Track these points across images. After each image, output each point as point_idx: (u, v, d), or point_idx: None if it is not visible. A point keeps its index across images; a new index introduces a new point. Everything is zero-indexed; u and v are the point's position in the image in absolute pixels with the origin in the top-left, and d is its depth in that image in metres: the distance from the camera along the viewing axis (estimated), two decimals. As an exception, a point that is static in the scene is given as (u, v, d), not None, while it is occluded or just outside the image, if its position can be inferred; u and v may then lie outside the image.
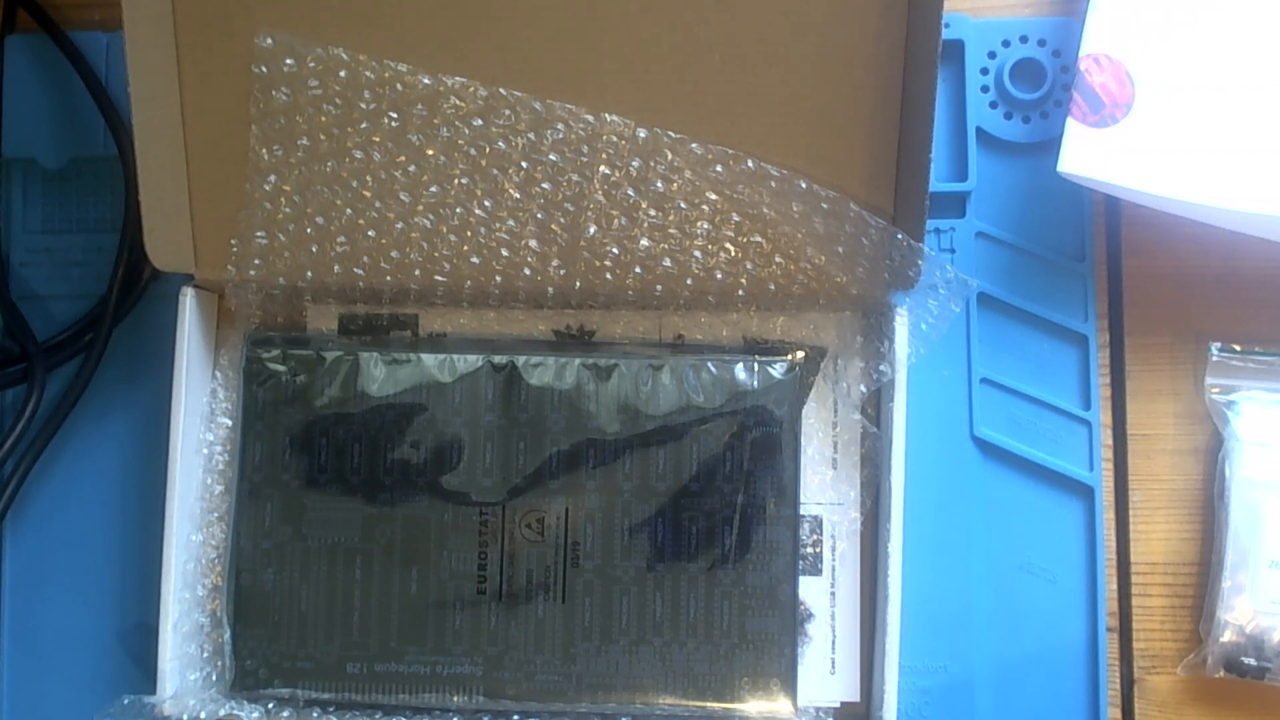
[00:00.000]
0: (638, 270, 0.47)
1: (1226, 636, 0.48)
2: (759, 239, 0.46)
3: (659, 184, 0.46)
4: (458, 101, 0.46)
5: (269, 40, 0.45)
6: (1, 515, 0.50)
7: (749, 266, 0.46)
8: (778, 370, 0.47)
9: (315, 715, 0.47)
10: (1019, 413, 0.50)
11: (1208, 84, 0.47)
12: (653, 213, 0.46)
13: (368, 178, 0.46)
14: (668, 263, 0.47)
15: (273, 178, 0.46)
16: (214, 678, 0.48)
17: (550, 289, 0.47)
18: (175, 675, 0.47)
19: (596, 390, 0.47)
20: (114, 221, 0.52)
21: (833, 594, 0.49)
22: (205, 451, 0.49)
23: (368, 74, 0.45)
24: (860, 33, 0.45)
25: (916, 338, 0.47)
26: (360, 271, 0.47)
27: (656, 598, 0.47)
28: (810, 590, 0.48)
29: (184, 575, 0.47)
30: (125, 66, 0.44)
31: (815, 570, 0.49)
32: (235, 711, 0.47)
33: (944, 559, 0.50)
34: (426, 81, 0.45)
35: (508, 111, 0.46)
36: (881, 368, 0.47)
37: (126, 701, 0.47)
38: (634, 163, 0.46)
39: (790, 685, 0.47)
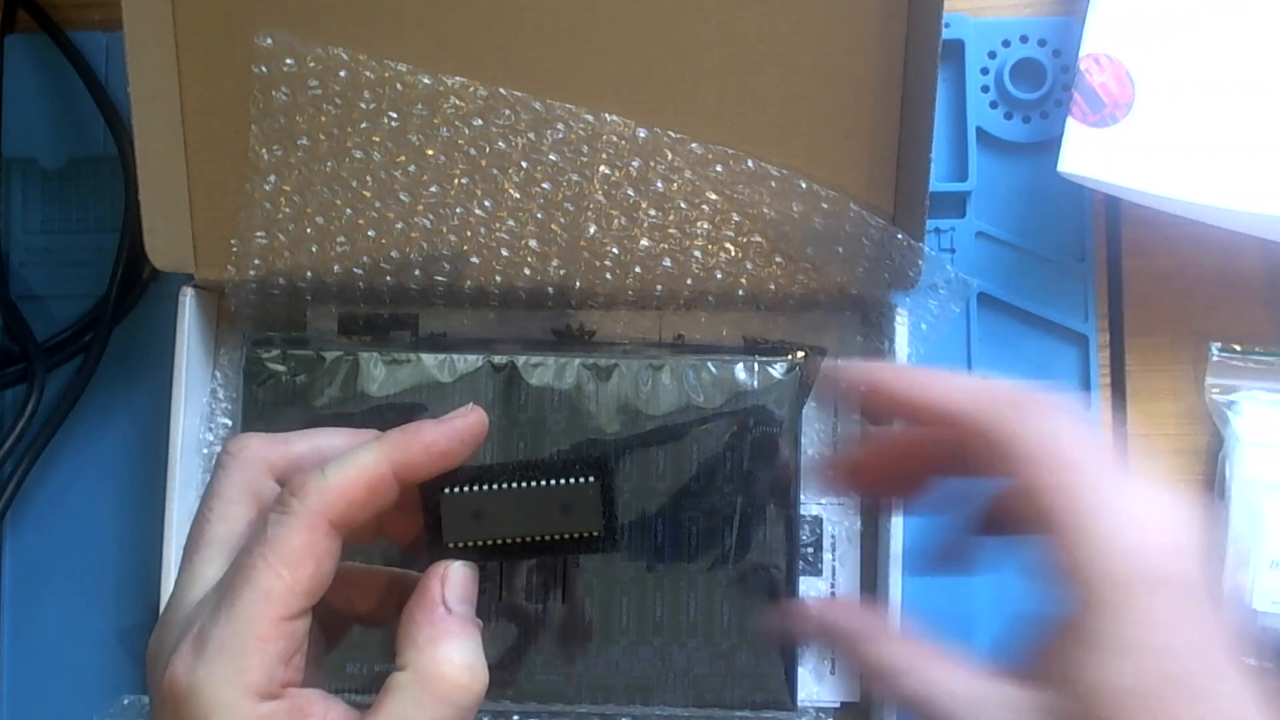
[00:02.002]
0: (638, 270, 0.47)
1: (1227, 636, 0.48)
2: (759, 239, 0.46)
3: (659, 184, 0.46)
4: (458, 101, 0.46)
5: (269, 40, 0.45)
6: (1, 515, 0.50)
7: (749, 266, 0.46)
8: (778, 370, 0.47)
9: (315, 715, 0.47)
10: (1019, 413, 0.50)
11: (1208, 84, 0.47)
12: (653, 213, 0.46)
13: (368, 178, 0.46)
14: (668, 263, 0.47)
15: (273, 178, 0.46)
16: (214, 678, 0.48)
17: (550, 289, 0.47)
18: (175, 675, 0.47)
19: (596, 390, 0.47)
20: (114, 221, 0.52)
21: (833, 594, 0.49)
22: (205, 451, 0.49)
23: (368, 74, 0.45)
24: (860, 33, 0.45)
25: (916, 338, 0.47)
26: (360, 271, 0.47)
27: (656, 598, 0.47)
28: (810, 590, 0.48)
29: (184, 575, 0.47)
30: (125, 66, 0.44)
31: (815, 570, 0.49)
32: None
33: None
34: (426, 81, 0.45)
35: (508, 111, 0.46)
36: (881, 368, 0.47)
37: (126, 701, 0.47)
38: (634, 163, 0.46)
39: (790, 685, 0.47)
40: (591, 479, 0.32)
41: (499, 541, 0.32)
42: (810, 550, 0.49)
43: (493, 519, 0.32)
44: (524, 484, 0.32)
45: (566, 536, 0.32)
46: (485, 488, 0.32)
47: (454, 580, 0.32)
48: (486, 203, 0.46)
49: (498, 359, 0.47)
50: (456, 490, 0.32)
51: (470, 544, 0.32)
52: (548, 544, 0.32)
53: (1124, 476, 0.31)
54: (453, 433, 0.32)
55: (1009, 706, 0.29)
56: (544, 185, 0.46)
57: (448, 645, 0.31)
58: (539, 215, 0.46)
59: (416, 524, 0.34)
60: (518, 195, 0.46)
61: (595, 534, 0.32)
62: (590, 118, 0.45)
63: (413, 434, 0.32)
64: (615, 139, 0.46)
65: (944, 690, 0.30)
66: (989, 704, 0.29)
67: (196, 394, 0.48)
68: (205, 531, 0.32)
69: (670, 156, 0.46)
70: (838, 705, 0.48)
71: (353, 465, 0.31)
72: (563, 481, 0.32)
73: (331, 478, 0.31)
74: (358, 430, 0.35)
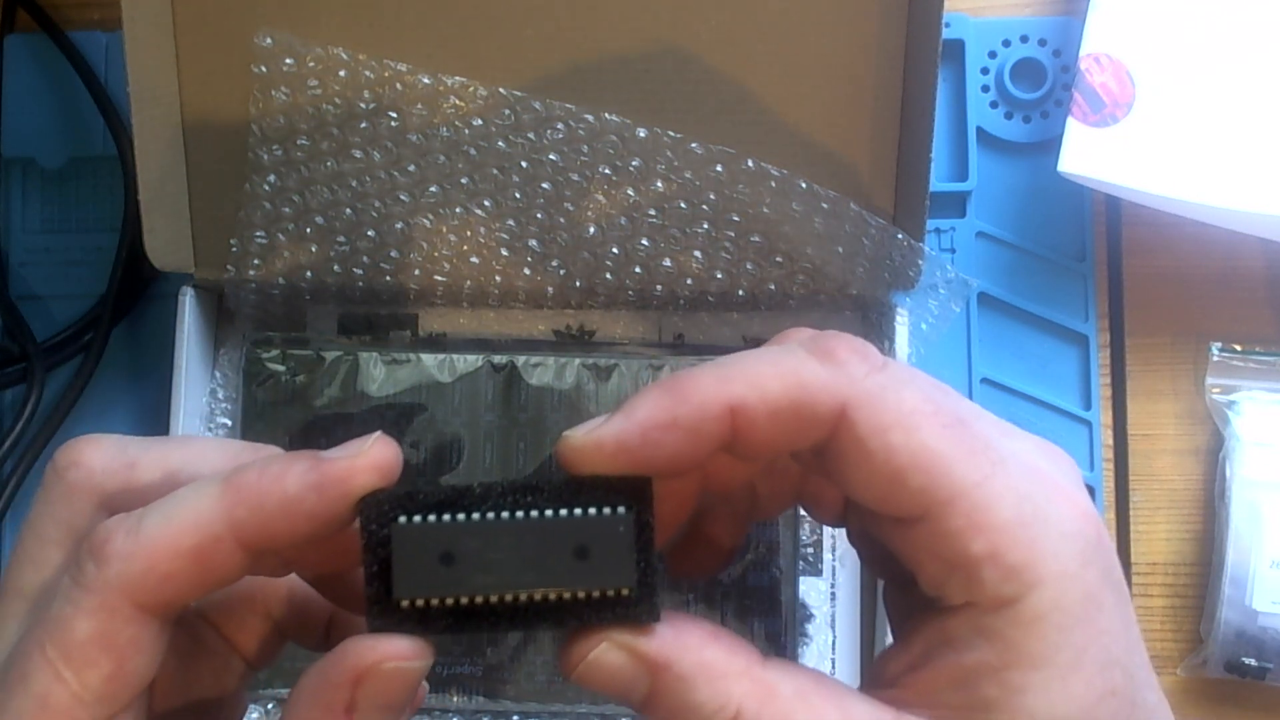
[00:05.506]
0: (638, 270, 0.47)
1: (1227, 637, 0.48)
2: (759, 239, 0.46)
3: (659, 184, 0.46)
4: (458, 101, 0.46)
5: (269, 40, 0.45)
6: (1, 515, 0.50)
7: (749, 266, 0.46)
8: (778, 370, 0.47)
9: (315, 715, 0.47)
10: (1019, 413, 0.50)
11: (1208, 84, 0.47)
12: (652, 213, 0.46)
13: (368, 177, 0.46)
14: (668, 263, 0.46)
15: (273, 178, 0.46)
16: (214, 678, 0.48)
17: (550, 289, 0.47)
18: (175, 675, 0.47)
19: (596, 390, 0.47)
20: (114, 221, 0.52)
21: (833, 594, 0.49)
22: (205, 451, 0.49)
23: (368, 74, 0.45)
24: (860, 33, 0.45)
25: (916, 338, 0.47)
26: (360, 271, 0.47)
27: (656, 598, 0.47)
28: (810, 590, 0.48)
29: (184, 575, 0.47)
30: (125, 66, 0.44)
31: (815, 570, 0.49)
32: (235, 712, 0.46)
33: (944, 559, 0.50)
34: (426, 81, 0.45)
35: (507, 111, 0.46)
36: (881, 368, 0.47)
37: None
38: (634, 163, 0.46)
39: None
40: (621, 509, 0.22)
41: (480, 601, 0.22)
42: (810, 550, 0.48)
43: (471, 565, 0.21)
44: (519, 514, 0.22)
45: (581, 596, 0.22)
46: (461, 517, 0.22)
47: (378, 682, 0.21)
48: (486, 202, 0.46)
49: (498, 359, 0.47)
50: (416, 520, 0.22)
51: (435, 603, 0.22)
52: (553, 607, 0.22)
53: (1000, 423, 0.24)
54: (328, 484, 0.21)
55: None
56: (544, 185, 0.46)
57: None
58: (539, 215, 0.46)
59: (344, 559, 0.24)
60: (518, 195, 0.46)
61: (625, 593, 0.22)
62: (590, 118, 0.45)
63: (271, 479, 0.21)
64: (615, 139, 0.46)
65: None
66: None
67: (196, 394, 0.48)
68: (12, 577, 0.24)
69: (670, 156, 0.46)
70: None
71: (176, 521, 0.21)
72: (578, 512, 0.22)
73: (145, 537, 0.21)
74: (245, 448, 0.25)
